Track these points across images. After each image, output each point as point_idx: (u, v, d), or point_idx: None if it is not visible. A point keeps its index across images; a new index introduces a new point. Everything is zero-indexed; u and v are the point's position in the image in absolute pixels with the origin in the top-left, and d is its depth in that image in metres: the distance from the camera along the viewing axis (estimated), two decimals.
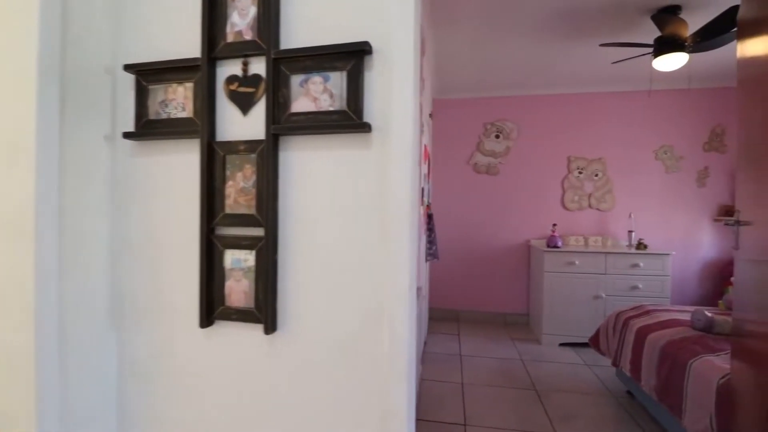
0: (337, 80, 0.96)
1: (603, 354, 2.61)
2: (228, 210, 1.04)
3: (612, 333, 2.51)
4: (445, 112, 4.14)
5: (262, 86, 1.02)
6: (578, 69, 3.35)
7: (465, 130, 4.11)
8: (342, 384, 1.01)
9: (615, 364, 2.41)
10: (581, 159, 3.90)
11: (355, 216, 0.99)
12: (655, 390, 1.96)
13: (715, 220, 3.71)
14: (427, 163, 3.31)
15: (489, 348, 3.31)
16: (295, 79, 0.99)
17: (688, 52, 2.29)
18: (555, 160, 3.96)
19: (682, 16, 2.23)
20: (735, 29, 2.20)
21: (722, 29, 2.11)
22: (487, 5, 2.37)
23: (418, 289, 2.39)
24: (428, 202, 3.31)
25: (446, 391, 2.54)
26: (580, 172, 3.90)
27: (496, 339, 3.56)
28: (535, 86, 3.85)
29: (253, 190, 1.02)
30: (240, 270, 1.04)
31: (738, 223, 1.32)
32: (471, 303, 4.12)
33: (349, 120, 0.95)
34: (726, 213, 3.67)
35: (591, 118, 3.89)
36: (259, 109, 1.04)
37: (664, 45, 2.28)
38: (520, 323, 4.00)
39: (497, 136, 4.04)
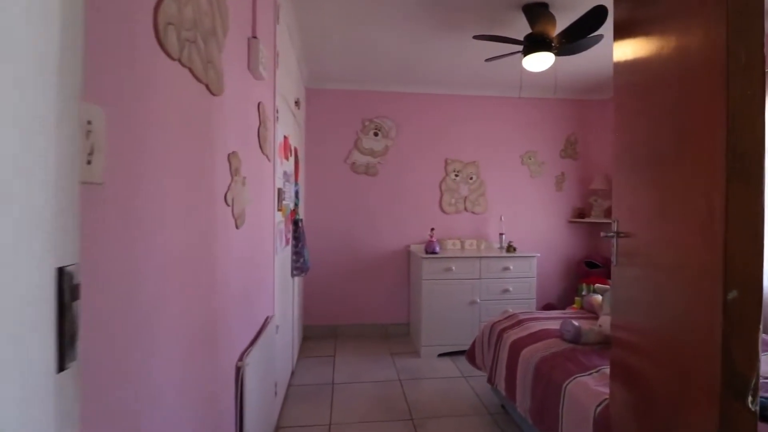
0: None
1: (479, 369, 2.45)
2: None
3: (487, 347, 2.35)
4: (319, 104, 3.67)
5: None
6: (454, 66, 3.22)
7: (342, 126, 3.71)
8: None
9: (490, 381, 2.24)
10: (457, 162, 3.85)
11: None
12: (530, 413, 1.79)
13: (570, 222, 4.02)
14: (293, 159, 2.79)
15: (366, 370, 2.94)
16: None
17: (555, 54, 2.24)
18: (433, 162, 3.83)
19: (552, 12, 2.16)
20: (596, 34, 2.23)
21: (585, 31, 2.09)
22: None
23: (267, 318, 1.86)
24: (294, 205, 2.79)
25: None
26: (456, 175, 3.84)
27: (376, 356, 3.23)
28: (413, 83, 3.66)
29: None
30: None
31: (618, 234, 1.15)
32: (350, 316, 3.73)
33: None
34: (579, 215, 4.00)
35: (466, 121, 3.86)
36: None
37: (533, 43, 2.19)
38: (401, 334, 3.76)
39: (376, 134, 3.73)
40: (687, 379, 0.82)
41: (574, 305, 3.67)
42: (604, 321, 1.90)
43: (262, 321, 1.76)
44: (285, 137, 2.37)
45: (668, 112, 0.88)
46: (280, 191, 2.19)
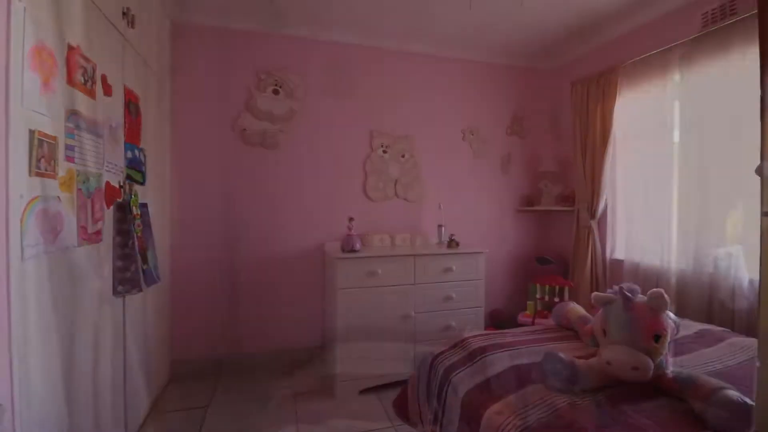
0: None
1: (414, 427, 1.61)
2: None
3: (425, 394, 1.51)
4: (193, 46, 2.60)
5: None
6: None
7: (228, 79, 2.67)
8: None
9: None
10: (386, 135, 3.01)
11: None
12: None
13: (518, 211, 3.40)
14: (122, 106, 1.73)
15: (248, 431, 1.96)
16: None
17: None
18: (355, 134, 2.95)
19: None
20: None
21: None
22: None
23: None
24: (126, 179, 1.72)
25: None
26: (384, 152, 3.00)
27: (270, 401, 2.26)
28: (328, 25, 2.74)
29: None
30: None
31: None
32: (241, 342, 2.70)
33: None
34: (527, 202, 3.39)
35: (398, 84, 3.04)
36: None
37: None
38: (313, 360, 2.82)
39: (276, 92, 2.75)
40: None
41: (527, 312, 3.04)
42: (614, 354, 1.16)
43: None
44: (72, 48, 1.31)
45: None
46: (37, 137, 1.14)
